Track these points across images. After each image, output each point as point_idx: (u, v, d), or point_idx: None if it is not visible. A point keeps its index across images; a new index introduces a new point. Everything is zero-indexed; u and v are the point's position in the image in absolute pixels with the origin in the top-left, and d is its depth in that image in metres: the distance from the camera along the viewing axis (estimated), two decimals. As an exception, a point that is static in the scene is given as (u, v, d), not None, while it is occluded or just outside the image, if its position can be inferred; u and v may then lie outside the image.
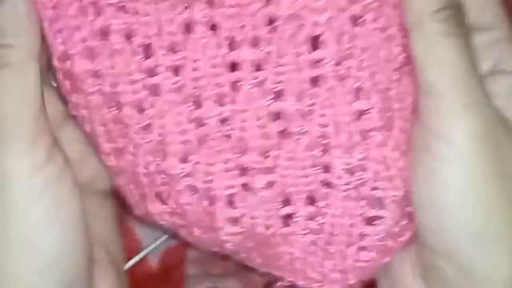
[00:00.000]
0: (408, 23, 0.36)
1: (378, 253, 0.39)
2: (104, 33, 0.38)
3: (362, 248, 0.39)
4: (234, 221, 0.39)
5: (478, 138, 0.35)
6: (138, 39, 0.37)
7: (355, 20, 0.37)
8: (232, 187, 0.38)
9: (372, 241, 0.38)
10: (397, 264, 0.40)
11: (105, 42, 0.38)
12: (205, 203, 0.39)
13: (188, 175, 0.38)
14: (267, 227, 0.39)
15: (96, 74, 0.38)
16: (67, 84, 0.39)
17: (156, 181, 0.39)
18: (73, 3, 0.37)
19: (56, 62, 0.38)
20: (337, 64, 0.37)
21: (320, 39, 0.37)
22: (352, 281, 0.40)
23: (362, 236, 0.38)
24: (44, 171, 0.36)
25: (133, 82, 0.38)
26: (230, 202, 0.39)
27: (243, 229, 0.39)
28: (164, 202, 0.40)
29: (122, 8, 0.37)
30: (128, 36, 0.37)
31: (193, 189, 0.39)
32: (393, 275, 0.41)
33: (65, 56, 0.38)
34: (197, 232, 0.40)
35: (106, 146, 0.40)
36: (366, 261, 0.39)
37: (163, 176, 0.39)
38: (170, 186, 0.39)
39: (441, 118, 0.35)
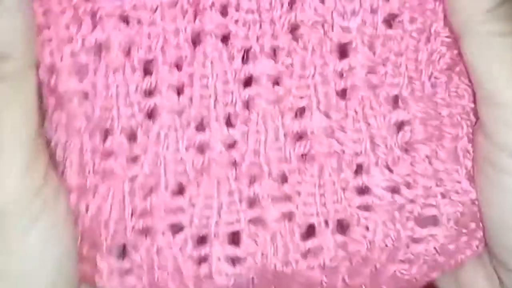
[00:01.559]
0: (456, 26, 0.32)
1: (425, 268, 0.35)
2: (99, 48, 0.33)
3: (404, 262, 0.35)
4: (236, 261, 0.34)
5: None
6: (139, 54, 0.33)
7: (390, 20, 0.33)
8: (238, 221, 0.33)
9: (418, 258, 0.35)
10: (469, 273, 0.37)
11: (100, 58, 0.33)
12: (192, 245, 0.33)
13: (177, 211, 0.33)
14: (286, 264, 0.34)
15: (84, 95, 0.33)
16: (50, 100, 0.34)
17: (126, 228, 0.33)
18: (66, 11, 0.33)
19: (41, 74, 0.33)
20: (369, 72, 0.33)
21: (350, 46, 0.33)
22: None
23: (406, 254, 0.35)
24: (41, 194, 0.33)
25: (129, 105, 0.33)
26: (232, 241, 0.34)
27: (248, 271, 0.34)
28: (123, 256, 0.34)
29: (124, 19, 0.33)
30: (128, 51, 0.33)
31: (179, 228, 0.33)
32: (464, 284, 0.38)
33: (52, 69, 0.33)
34: None
35: (73, 181, 0.34)
36: (406, 274, 0.35)
37: (141, 218, 0.33)
38: (143, 232, 0.33)
39: (508, 130, 0.32)
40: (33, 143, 0.33)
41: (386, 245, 0.34)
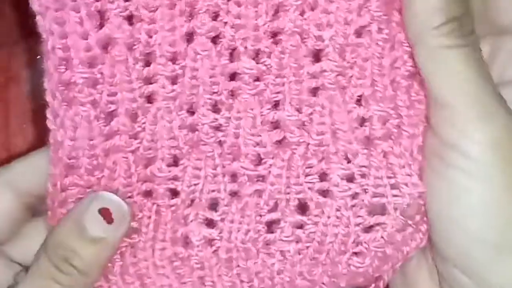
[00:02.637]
0: (410, 37, 0.35)
1: (376, 260, 0.39)
2: (106, 44, 0.37)
3: (357, 254, 0.39)
4: (211, 224, 0.39)
5: (494, 148, 0.35)
6: (140, 48, 0.37)
7: (360, 31, 0.36)
8: (218, 191, 0.38)
9: (369, 248, 0.38)
10: (413, 269, 0.40)
11: (107, 51, 0.37)
12: (183, 206, 0.39)
13: (173, 178, 0.38)
14: (246, 233, 0.38)
15: (93, 84, 0.38)
16: (58, 95, 0.38)
17: (133, 191, 0.39)
18: (78, 9, 0.36)
19: (51, 68, 0.37)
20: (339, 74, 0.37)
21: (323, 53, 0.37)
22: (343, 285, 0.40)
23: (357, 243, 0.38)
24: None
25: (131, 91, 0.37)
26: (211, 206, 0.39)
27: (220, 235, 0.38)
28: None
29: (128, 18, 0.37)
30: (131, 46, 0.37)
31: (174, 192, 0.39)
32: (409, 280, 0.40)
33: (64, 64, 0.37)
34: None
35: (84, 163, 0.38)
36: (360, 267, 0.39)
37: (144, 183, 0.38)
38: (146, 195, 0.39)
39: (455, 129, 0.35)
40: None
41: (339, 232, 0.38)
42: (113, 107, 0.38)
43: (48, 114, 0.38)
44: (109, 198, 0.37)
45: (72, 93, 0.37)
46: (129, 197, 0.38)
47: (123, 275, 0.39)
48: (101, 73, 0.37)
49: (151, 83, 0.38)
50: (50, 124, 0.38)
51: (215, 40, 0.37)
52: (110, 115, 0.38)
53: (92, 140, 0.38)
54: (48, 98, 0.38)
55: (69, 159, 0.38)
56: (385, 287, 0.41)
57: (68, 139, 0.38)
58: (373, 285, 0.40)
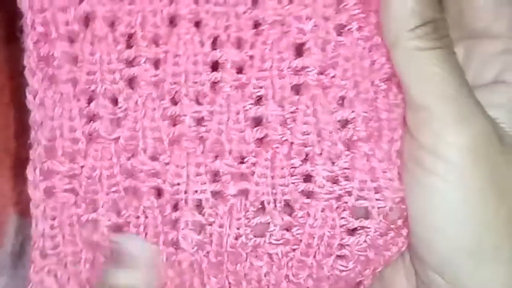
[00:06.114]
0: (386, 40, 0.36)
1: (358, 264, 0.39)
2: (87, 19, 0.37)
3: (341, 258, 0.39)
4: (200, 228, 0.38)
5: (471, 152, 0.35)
6: (121, 28, 0.37)
7: (340, 29, 0.37)
8: (203, 192, 0.38)
9: (352, 252, 0.38)
10: (390, 272, 0.40)
11: (87, 28, 0.37)
12: (169, 206, 0.38)
13: (155, 175, 0.38)
14: (236, 237, 0.38)
15: (74, 60, 0.37)
16: (38, 73, 0.37)
17: (118, 184, 0.38)
18: None
19: (30, 45, 0.37)
20: (321, 73, 0.37)
21: (305, 47, 0.37)
22: None
23: (341, 246, 0.38)
24: None
25: (111, 72, 0.37)
26: (198, 208, 0.38)
27: (210, 238, 0.38)
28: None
29: None
30: (112, 24, 0.37)
31: (158, 192, 0.38)
32: (386, 283, 0.40)
33: (44, 38, 0.37)
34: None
35: (65, 147, 0.38)
36: (343, 270, 0.39)
37: (128, 178, 0.38)
38: (131, 192, 0.38)
39: (431, 132, 0.35)
40: None
41: (324, 233, 0.38)
42: (92, 87, 0.37)
43: (28, 93, 0.37)
44: None
45: (52, 70, 0.37)
46: (114, 191, 0.38)
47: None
48: (82, 50, 0.37)
49: (133, 66, 0.37)
50: (29, 103, 0.37)
51: (198, 27, 0.37)
52: (91, 96, 0.38)
53: (72, 120, 0.37)
54: (28, 75, 0.37)
55: (48, 141, 0.37)
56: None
57: (48, 119, 0.37)
58: None
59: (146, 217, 0.38)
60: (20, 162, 0.42)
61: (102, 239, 0.38)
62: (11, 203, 0.52)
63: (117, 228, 0.38)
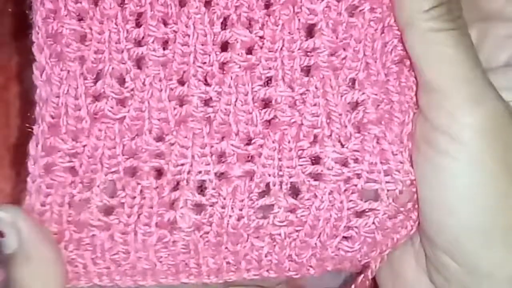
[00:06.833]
0: (400, 22, 0.35)
1: (364, 245, 0.38)
2: None
3: (346, 239, 0.38)
4: (199, 208, 0.37)
5: (484, 133, 0.35)
6: (130, 7, 0.36)
7: (352, 10, 0.36)
8: (207, 173, 0.37)
9: (359, 233, 0.38)
10: (399, 255, 0.40)
11: (96, 6, 0.36)
12: (168, 188, 0.37)
13: (159, 155, 0.37)
14: (239, 219, 0.38)
15: (82, 38, 0.37)
16: (46, 49, 0.37)
17: (118, 165, 0.37)
18: None
19: (39, 21, 0.37)
20: (331, 54, 0.37)
21: (316, 27, 0.36)
22: (329, 268, 0.40)
23: (348, 227, 0.38)
24: None
25: (119, 51, 0.37)
26: (200, 189, 0.37)
27: (210, 220, 0.37)
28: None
29: None
30: (121, 3, 0.36)
31: (159, 172, 0.37)
32: (395, 266, 0.40)
33: (53, 15, 0.37)
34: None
35: (70, 125, 0.37)
36: (348, 251, 0.38)
37: (129, 158, 0.37)
38: (131, 172, 0.37)
39: (445, 114, 0.35)
40: None
41: (331, 215, 0.37)
42: (100, 66, 0.37)
43: (35, 69, 0.37)
44: None
45: (60, 47, 0.37)
46: (113, 172, 0.37)
47: (95, 260, 0.38)
48: (90, 28, 0.37)
49: (141, 46, 0.37)
50: (35, 79, 0.37)
51: (208, 7, 0.37)
52: (98, 75, 0.37)
53: (77, 99, 0.37)
54: (35, 51, 0.37)
55: (53, 118, 0.37)
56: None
57: (53, 96, 0.37)
58: (362, 275, 0.40)
59: (143, 197, 0.37)
60: (20, 162, 0.41)
61: (90, 218, 0.37)
62: (11, 202, 0.52)
63: (107, 210, 0.37)
